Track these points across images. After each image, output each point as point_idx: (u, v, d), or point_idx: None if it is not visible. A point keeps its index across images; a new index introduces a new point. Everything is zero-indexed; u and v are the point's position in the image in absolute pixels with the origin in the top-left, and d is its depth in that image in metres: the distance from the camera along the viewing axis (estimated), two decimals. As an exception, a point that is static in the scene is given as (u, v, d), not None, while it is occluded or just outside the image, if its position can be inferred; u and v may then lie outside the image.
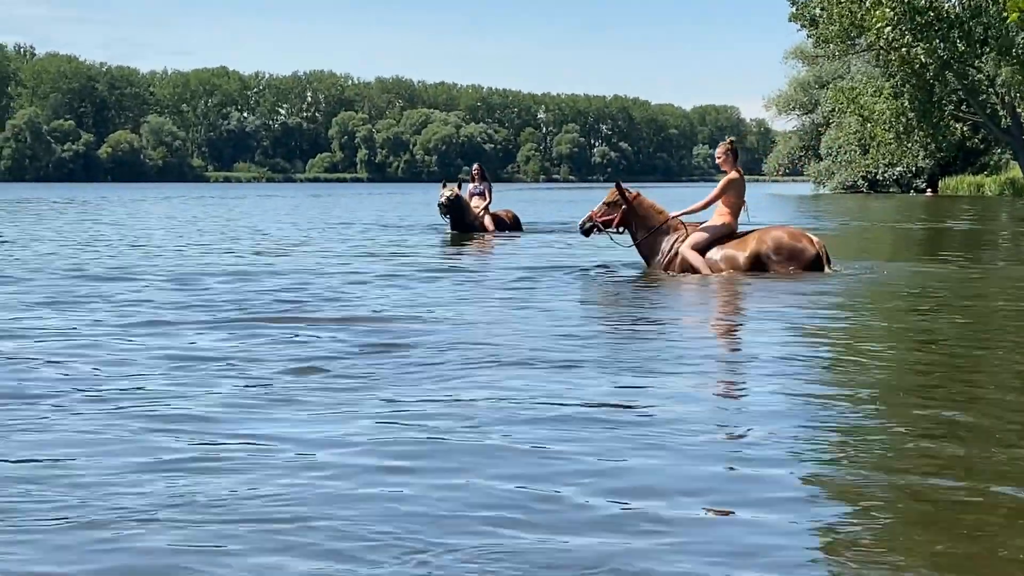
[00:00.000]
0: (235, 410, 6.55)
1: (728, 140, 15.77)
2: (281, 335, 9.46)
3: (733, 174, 15.24)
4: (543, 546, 4.29)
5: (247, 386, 7.30)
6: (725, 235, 15.10)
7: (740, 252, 14.76)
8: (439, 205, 25.62)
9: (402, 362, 8.26)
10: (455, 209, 25.29)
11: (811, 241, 14.82)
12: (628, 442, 5.77)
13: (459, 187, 26.12)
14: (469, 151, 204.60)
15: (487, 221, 26.06)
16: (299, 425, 6.21)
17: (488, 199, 26.63)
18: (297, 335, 9.52)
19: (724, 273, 14.63)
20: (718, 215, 15.29)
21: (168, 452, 5.61)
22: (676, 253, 15.19)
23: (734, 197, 15.22)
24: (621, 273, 15.54)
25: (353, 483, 5.05)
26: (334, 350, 8.68)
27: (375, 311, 11.15)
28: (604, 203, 15.79)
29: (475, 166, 27.94)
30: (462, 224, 25.42)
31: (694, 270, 14.82)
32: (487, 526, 4.50)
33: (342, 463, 5.39)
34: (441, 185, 26.35)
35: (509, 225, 26.63)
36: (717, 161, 15.67)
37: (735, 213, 15.24)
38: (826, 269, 14.46)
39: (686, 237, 15.27)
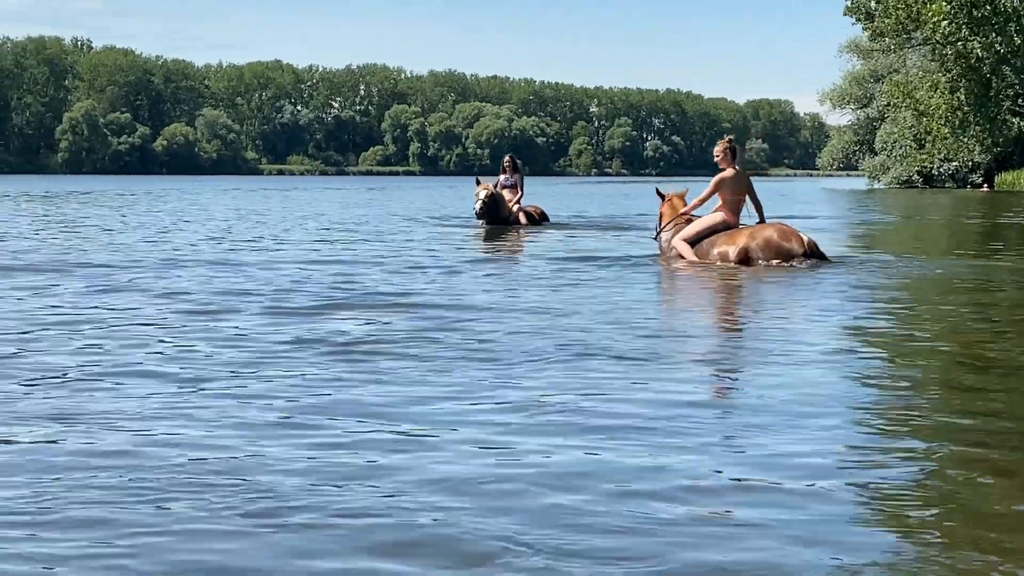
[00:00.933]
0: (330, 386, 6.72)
1: (726, 138, 16.62)
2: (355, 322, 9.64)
3: (728, 171, 15.89)
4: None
5: (327, 363, 7.46)
6: (720, 229, 15.76)
7: (731, 247, 15.30)
8: (475, 209, 24.77)
9: (495, 350, 8.38)
10: (492, 207, 24.61)
11: (801, 241, 15.10)
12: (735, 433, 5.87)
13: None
14: (521, 145, 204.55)
15: (521, 216, 25.59)
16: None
17: (520, 192, 26.15)
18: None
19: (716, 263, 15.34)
20: (714, 210, 16.10)
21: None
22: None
23: (729, 194, 15.90)
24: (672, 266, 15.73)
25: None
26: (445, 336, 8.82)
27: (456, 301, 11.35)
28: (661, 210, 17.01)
29: (506, 158, 27.34)
30: (497, 219, 24.80)
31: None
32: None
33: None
34: (475, 182, 25.77)
35: (537, 220, 26.03)
36: (715, 159, 16.32)
37: (733, 209, 15.99)
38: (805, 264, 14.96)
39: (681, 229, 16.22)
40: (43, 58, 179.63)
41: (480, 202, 24.41)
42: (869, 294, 12.33)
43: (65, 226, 26.11)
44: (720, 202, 16.04)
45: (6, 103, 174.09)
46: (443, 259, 16.56)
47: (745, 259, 15.04)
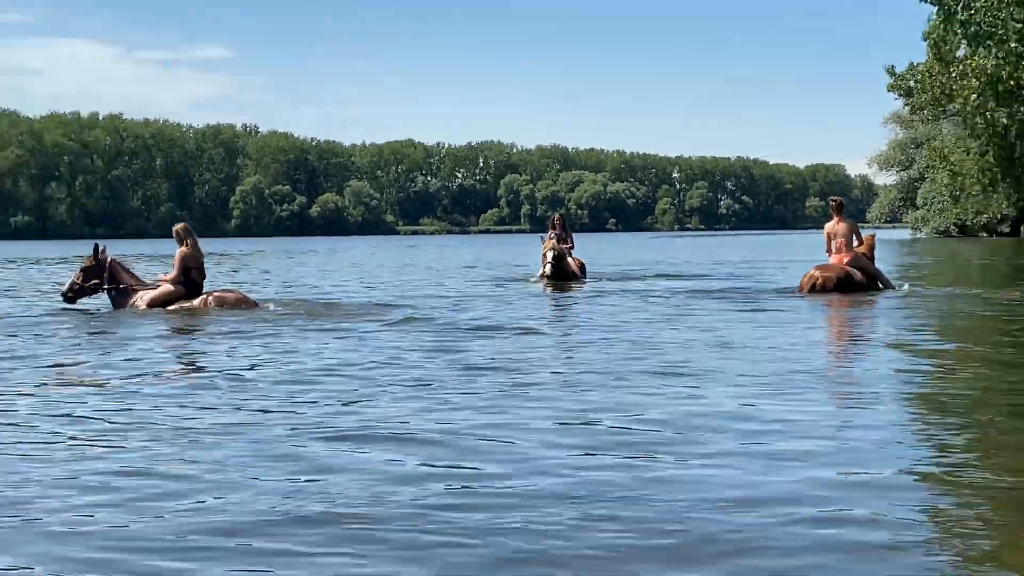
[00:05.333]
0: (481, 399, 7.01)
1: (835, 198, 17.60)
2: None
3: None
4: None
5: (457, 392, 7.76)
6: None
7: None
8: (548, 268, 22.96)
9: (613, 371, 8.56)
10: (559, 263, 22.98)
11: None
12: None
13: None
14: (615, 206, 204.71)
15: (579, 269, 23.93)
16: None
17: (571, 245, 24.26)
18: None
19: None
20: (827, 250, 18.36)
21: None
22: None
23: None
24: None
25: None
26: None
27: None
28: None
29: (556, 216, 25.26)
30: (562, 275, 23.02)
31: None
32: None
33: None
34: (540, 240, 24.14)
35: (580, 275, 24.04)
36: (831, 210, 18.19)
37: (837, 249, 18.04)
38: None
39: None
40: (219, 141, 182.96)
41: (549, 265, 22.93)
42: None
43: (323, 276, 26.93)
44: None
45: (189, 179, 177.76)
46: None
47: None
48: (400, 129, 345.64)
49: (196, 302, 16.08)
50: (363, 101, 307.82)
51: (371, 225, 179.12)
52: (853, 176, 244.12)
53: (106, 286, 16.54)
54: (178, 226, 16.96)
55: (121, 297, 16.54)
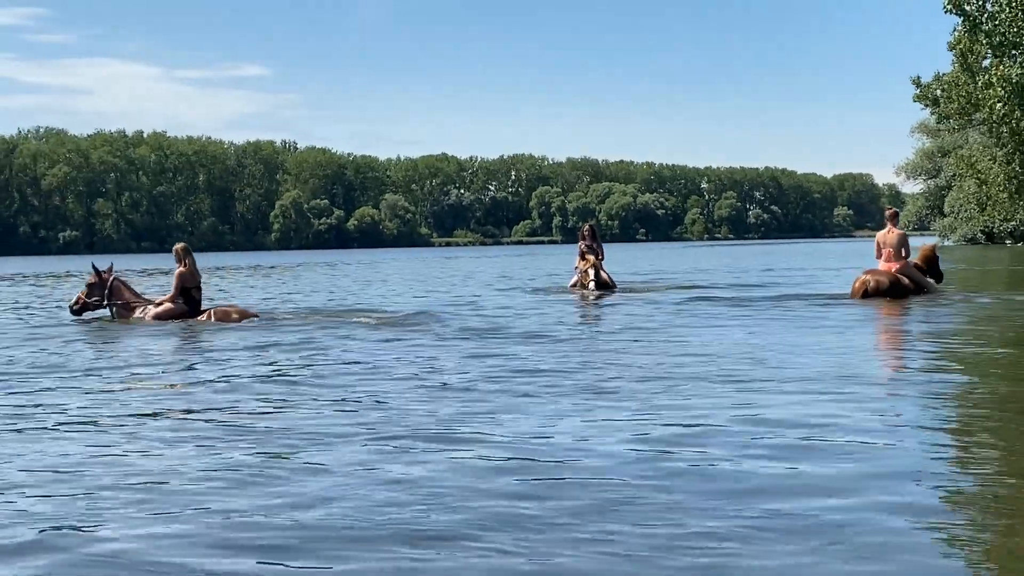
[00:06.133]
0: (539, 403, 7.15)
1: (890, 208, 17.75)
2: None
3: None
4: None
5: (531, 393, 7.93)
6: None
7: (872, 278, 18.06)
8: (592, 285, 22.85)
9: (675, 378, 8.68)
10: (598, 274, 22.92)
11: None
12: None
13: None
14: (644, 216, 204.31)
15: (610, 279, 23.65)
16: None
17: (601, 256, 23.87)
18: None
19: None
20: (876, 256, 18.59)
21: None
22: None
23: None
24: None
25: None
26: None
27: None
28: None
29: (587, 226, 24.76)
30: (600, 286, 22.88)
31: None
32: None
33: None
34: (579, 257, 23.89)
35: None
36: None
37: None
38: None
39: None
40: (259, 157, 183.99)
41: (592, 282, 22.87)
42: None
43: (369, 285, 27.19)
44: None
45: (231, 194, 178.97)
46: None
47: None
48: (434, 143, 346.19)
49: (201, 318, 16.62)
50: (398, 116, 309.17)
51: (406, 237, 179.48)
52: (881, 185, 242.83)
53: (106, 302, 17.31)
54: (178, 246, 17.60)
55: (123, 312, 17.23)
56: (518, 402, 7.95)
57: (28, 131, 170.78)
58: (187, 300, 17.00)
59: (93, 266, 17.59)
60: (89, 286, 17.49)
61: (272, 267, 56.73)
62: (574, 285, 23.68)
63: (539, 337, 12.89)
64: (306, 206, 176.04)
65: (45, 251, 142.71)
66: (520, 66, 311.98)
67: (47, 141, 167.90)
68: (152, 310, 16.97)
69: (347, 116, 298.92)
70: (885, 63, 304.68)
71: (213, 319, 16.48)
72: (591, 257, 23.36)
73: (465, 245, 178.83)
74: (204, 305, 17.44)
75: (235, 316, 16.62)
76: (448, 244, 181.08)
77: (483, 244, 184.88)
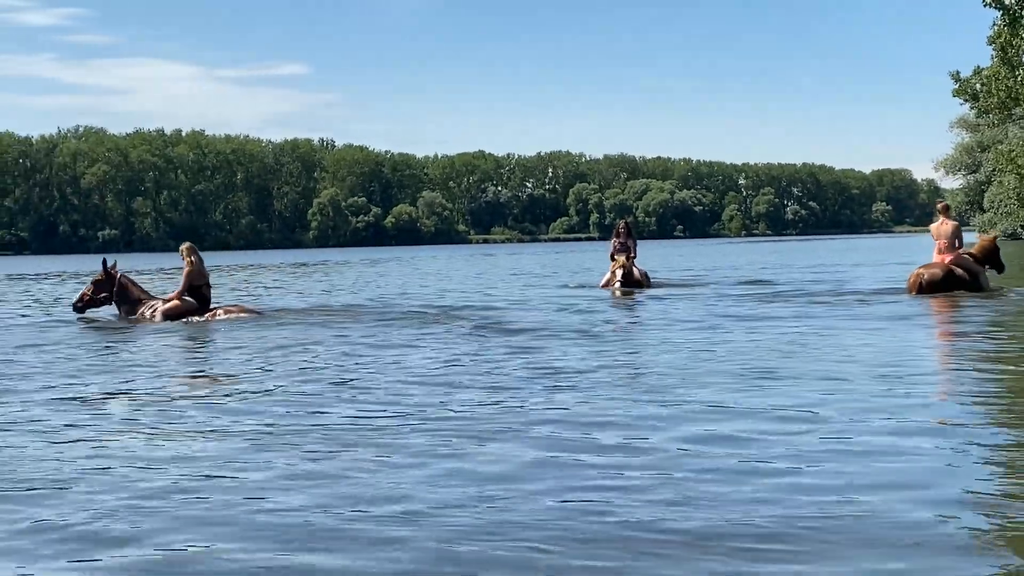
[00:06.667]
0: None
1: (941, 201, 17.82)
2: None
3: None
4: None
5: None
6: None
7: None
8: (619, 284, 22.80)
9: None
10: (628, 278, 22.94)
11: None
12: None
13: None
14: (681, 213, 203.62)
15: (643, 277, 23.68)
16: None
17: (634, 254, 23.81)
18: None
19: None
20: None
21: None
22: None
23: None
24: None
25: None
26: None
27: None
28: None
29: (621, 223, 24.75)
30: (631, 284, 22.95)
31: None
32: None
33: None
34: (610, 257, 23.94)
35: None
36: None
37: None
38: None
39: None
40: (297, 155, 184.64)
41: (619, 282, 22.88)
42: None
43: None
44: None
45: (269, 192, 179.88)
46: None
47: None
48: (471, 141, 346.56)
49: (207, 316, 16.91)
50: (435, 114, 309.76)
51: (443, 234, 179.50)
52: (920, 180, 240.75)
53: (115, 300, 17.49)
54: (184, 246, 17.81)
55: (131, 309, 17.43)
56: (572, 396, 8.08)
57: (68, 130, 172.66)
58: (197, 297, 17.29)
59: (104, 262, 17.81)
60: (96, 283, 17.65)
61: (313, 264, 57.20)
62: (605, 284, 23.67)
63: (583, 334, 13.09)
64: (344, 204, 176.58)
65: (84, 249, 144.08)
66: (558, 63, 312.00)
67: (87, 140, 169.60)
68: (161, 307, 17.16)
69: (384, 114, 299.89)
70: (924, 57, 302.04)
71: (220, 316, 16.83)
72: (620, 257, 23.33)
73: (502, 242, 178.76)
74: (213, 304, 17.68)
75: (243, 315, 17.01)
76: (485, 241, 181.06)
77: (520, 241, 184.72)
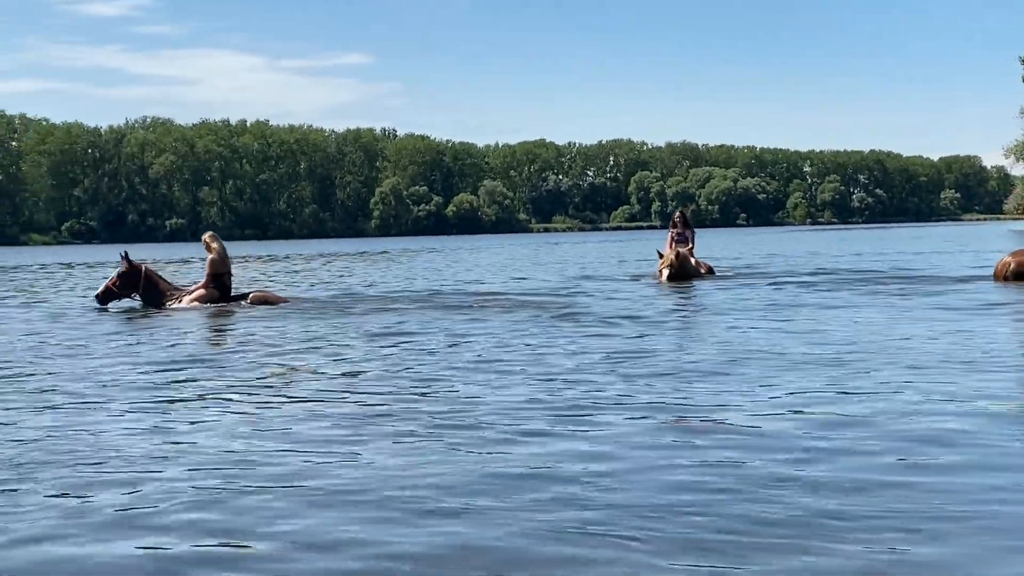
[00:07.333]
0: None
1: None
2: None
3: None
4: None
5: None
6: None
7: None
8: (667, 274, 21.65)
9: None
10: (683, 268, 21.81)
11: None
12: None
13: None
14: (745, 201, 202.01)
15: (702, 269, 22.75)
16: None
17: (692, 244, 23.17)
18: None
19: None
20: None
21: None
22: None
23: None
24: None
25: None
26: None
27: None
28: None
29: (677, 212, 24.08)
30: (685, 275, 21.79)
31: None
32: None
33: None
34: (657, 254, 22.95)
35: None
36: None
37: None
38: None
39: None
40: (359, 145, 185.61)
41: (671, 265, 21.69)
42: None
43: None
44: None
45: (332, 181, 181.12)
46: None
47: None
48: (532, 130, 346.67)
49: (232, 304, 17.13)
50: (496, 103, 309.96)
51: (504, 223, 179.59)
52: (989, 167, 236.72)
53: (141, 291, 17.45)
54: (206, 234, 18.03)
55: (157, 299, 17.44)
56: (664, 382, 8.20)
57: (135, 121, 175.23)
58: (218, 286, 17.43)
59: (126, 254, 17.76)
60: (122, 276, 17.39)
61: (376, 253, 57.67)
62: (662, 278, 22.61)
63: (652, 321, 13.25)
64: (405, 193, 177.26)
65: (152, 239, 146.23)
66: (619, 50, 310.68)
67: (154, 131, 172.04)
68: (187, 298, 17.26)
69: (446, 103, 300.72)
70: (993, 42, 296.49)
71: (248, 304, 17.08)
72: (669, 252, 22.17)
73: (563, 231, 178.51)
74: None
75: (272, 300, 17.28)
76: (546, 230, 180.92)
77: (581, 230, 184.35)
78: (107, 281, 17.68)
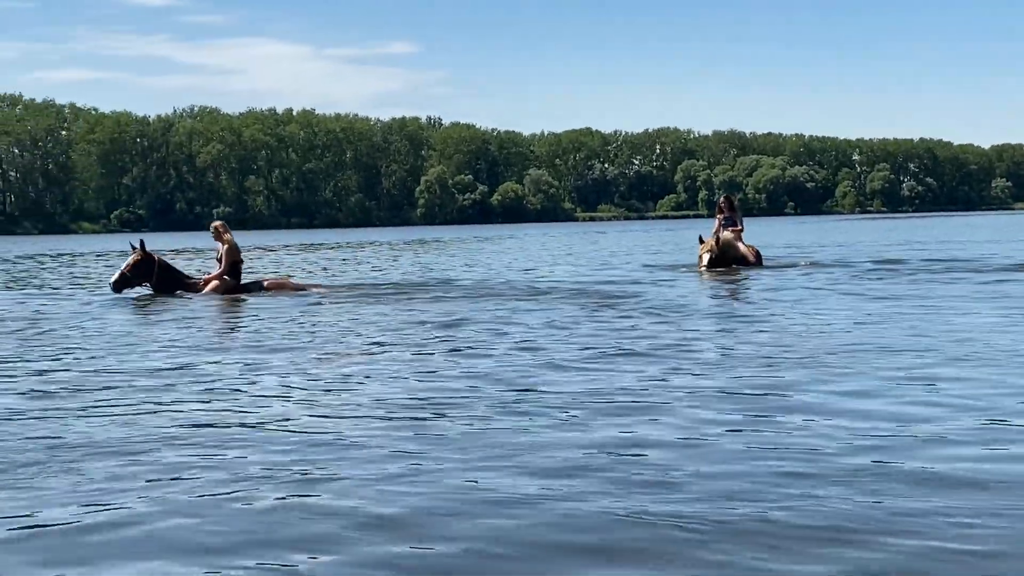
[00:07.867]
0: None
1: None
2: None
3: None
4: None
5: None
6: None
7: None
8: (708, 259, 21.45)
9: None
10: (724, 253, 21.73)
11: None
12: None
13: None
14: (793, 190, 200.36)
15: (749, 254, 22.48)
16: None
17: (740, 227, 22.93)
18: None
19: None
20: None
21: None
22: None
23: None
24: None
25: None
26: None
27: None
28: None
29: (722, 198, 23.83)
30: (726, 261, 21.67)
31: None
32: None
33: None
34: (714, 232, 22.43)
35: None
36: None
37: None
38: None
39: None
40: (405, 134, 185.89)
41: (708, 255, 21.51)
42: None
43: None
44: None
45: (377, 170, 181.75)
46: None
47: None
48: (577, 118, 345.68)
49: (245, 292, 17.32)
50: (541, 91, 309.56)
51: (550, 212, 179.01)
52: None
53: (155, 281, 17.57)
54: (217, 223, 18.11)
55: (172, 288, 17.58)
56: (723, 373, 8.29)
57: (183, 110, 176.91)
58: (232, 274, 17.62)
59: (141, 243, 17.86)
60: (136, 264, 17.44)
61: (425, 242, 57.92)
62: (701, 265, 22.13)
63: (706, 311, 13.29)
64: (450, 182, 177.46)
65: (200, 227, 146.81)
66: (665, 38, 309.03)
67: (201, 120, 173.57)
68: (205, 288, 17.41)
69: (491, 91, 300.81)
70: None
71: (269, 290, 17.32)
72: (710, 240, 21.85)
73: (609, 220, 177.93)
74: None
75: (290, 287, 17.51)
76: (592, 219, 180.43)
77: (627, 219, 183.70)
78: (123, 266, 17.76)
